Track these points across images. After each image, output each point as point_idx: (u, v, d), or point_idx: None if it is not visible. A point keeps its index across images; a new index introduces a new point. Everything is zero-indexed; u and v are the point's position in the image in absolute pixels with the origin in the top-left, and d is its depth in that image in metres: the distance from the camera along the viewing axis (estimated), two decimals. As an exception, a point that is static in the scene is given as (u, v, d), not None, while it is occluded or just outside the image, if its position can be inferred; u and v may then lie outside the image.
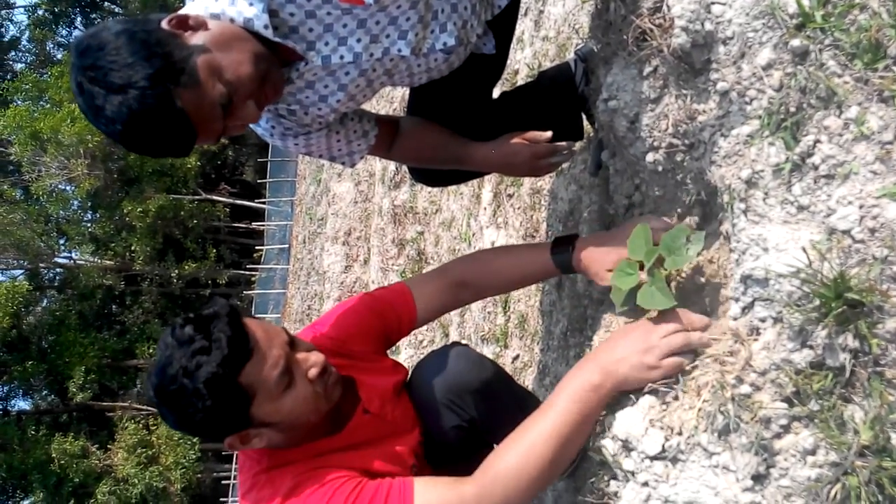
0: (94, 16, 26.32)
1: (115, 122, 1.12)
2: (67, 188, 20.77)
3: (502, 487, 1.18)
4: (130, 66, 1.09)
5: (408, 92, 1.76)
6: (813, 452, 0.94)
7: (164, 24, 1.17)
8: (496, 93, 1.87)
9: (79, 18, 26.45)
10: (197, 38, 1.17)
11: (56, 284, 22.52)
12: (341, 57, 1.34)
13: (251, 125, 1.45)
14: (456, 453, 1.49)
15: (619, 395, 1.22)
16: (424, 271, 4.67)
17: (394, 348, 3.43)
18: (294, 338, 1.31)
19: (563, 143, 1.65)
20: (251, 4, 1.20)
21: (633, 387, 1.18)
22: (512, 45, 1.75)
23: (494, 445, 1.60)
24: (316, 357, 1.29)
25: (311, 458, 1.30)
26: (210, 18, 1.20)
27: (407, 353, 4.30)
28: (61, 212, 21.48)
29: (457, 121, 1.65)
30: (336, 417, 1.37)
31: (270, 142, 1.60)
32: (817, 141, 1.00)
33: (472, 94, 1.67)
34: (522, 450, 1.19)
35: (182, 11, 1.21)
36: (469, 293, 1.66)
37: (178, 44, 1.15)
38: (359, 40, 1.33)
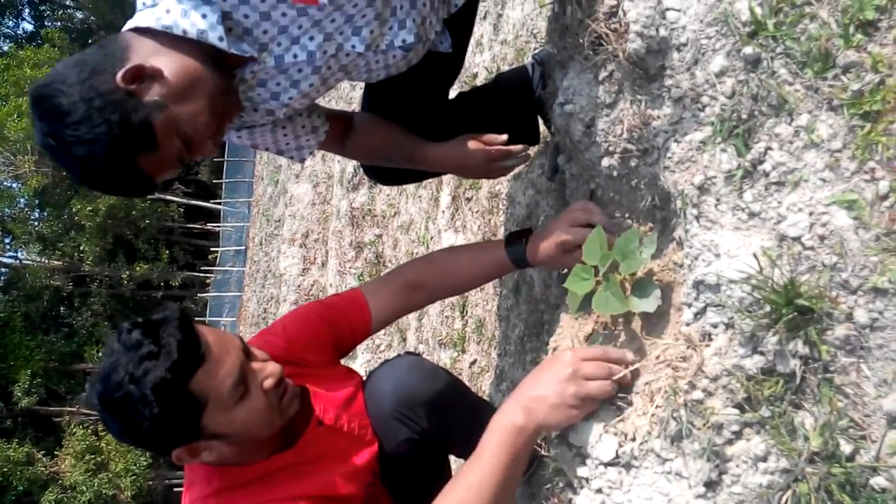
0: (42, 7, 25.53)
1: (78, 178, 1.20)
2: (14, 185, 20.09)
3: None
4: (91, 142, 1.12)
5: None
6: (764, 459, 0.94)
7: (119, 80, 1.13)
8: (453, 94, 1.85)
9: (27, 10, 25.63)
10: (153, 92, 1.15)
11: (1, 285, 21.72)
12: (294, 56, 1.31)
13: None
14: (409, 465, 1.47)
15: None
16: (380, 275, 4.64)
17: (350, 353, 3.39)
18: (249, 347, 1.26)
19: (518, 147, 1.64)
20: (204, 16, 1.16)
21: (556, 426, 1.15)
22: (471, 49, 1.74)
23: (449, 456, 1.58)
24: (273, 367, 1.25)
25: (264, 479, 1.26)
26: (161, 31, 1.16)
27: (364, 357, 4.25)
28: (7, 210, 20.76)
29: (412, 119, 1.63)
30: (289, 432, 1.33)
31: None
32: (768, 148, 1.01)
33: (428, 93, 1.65)
34: (459, 500, 1.12)
35: (133, 57, 1.15)
36: (423, 295, 1.63)
37: (134, 105, 1.14)
38: (312, 38, 1.31)
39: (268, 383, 1.22)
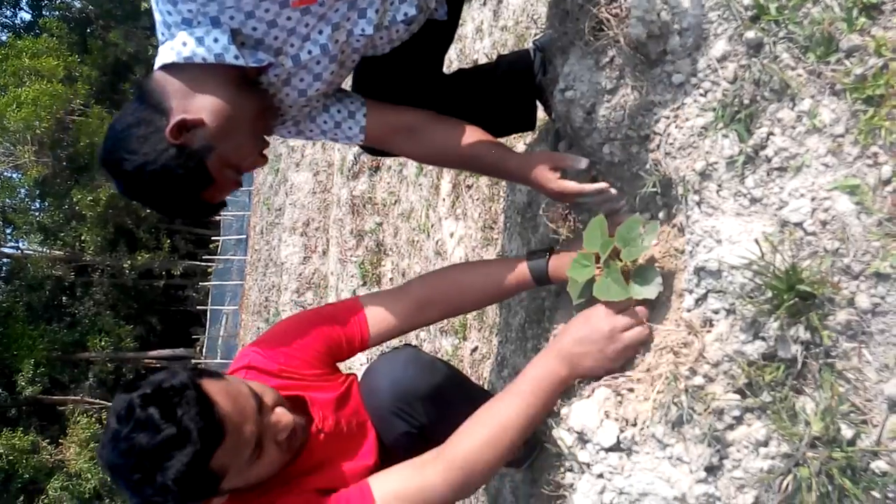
0: (41, -2, 25.40)
1: (164, 215, 1.51)
2: (14, 176, 20.05)
3: (464, 471, 1.21)
4: (165, 191, 1.31)
5: None
6: (765, 444, 0.94)
7: (169, 138, 1.25)
8: (451, 69, 1.85)
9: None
10: (199, 139, 1.27)
11: (3, 275, 21.74)
12: (309, 52, 1.36)
13: None
14: (408, 458, 1.47)
15: (576, 386, 1.24)
16: (386, 263, 4.64)
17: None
18: (260, 399, 1.24)
19: (596, 186, 1.43)
20: (216, 40, 1.23)
21: (595, 375, 1.23)
22: (471, 35, 1.72)
23: None
24: (286, 420, 1.25)
25: (269, 486, 1.27)
26: (184, 64, 1.25)
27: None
28: (8, 200, 20.70)
29: (408, 89, 1.62)
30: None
31: None
32: (770, 133, 1.00)
33: (423, 62, 1.65)
34: (485, 434, 1.21)
35: (174, 110, 1.26)
36: (435, 312, 1.60)
37: (188, 154, 1.27)
38: (321, 32, 1.35)
39: (281, 437, 1.23)
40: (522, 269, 1.50)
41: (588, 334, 1.23)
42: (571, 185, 1.43)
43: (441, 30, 1.62)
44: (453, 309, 1.65)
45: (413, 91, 1.62)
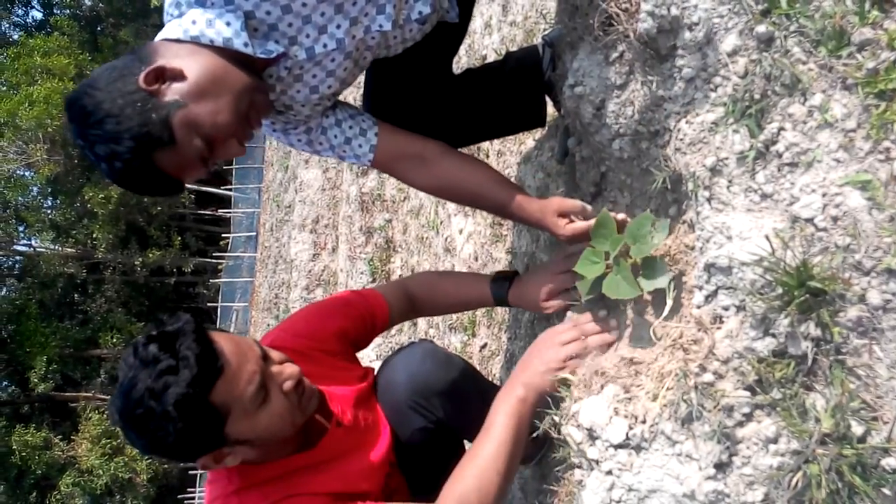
0: (52, -4, 25.54)
1: (108, 177, 1.24)
2: (26, 174, 20.19)
3: None
4: (113, 139, 1.16)
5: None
6: (775, 441, 0.94)
7: (142, 81, 1.17)
8: (460, 70, 1.84)
9: (36, -1, 25.67)
10: (173, 92, 1.18)
11: (16, 273, 21.92)
12: (325, 45, 1.32)
13: None
14: (424, 452, 1.48)
15: (587, 385, 1.23)
16: (395, 260, 4.64)
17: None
18: (266, 350, 1.27)
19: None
20: (228, 24, 1.19)
21: (551, 387, 1.31)
22: (479, 31, 1.72)
23: (465, 442, 1.60)
24: (291, 369, 1.26)
25: (285, 477, 1.28)
26: (190, 42, 1.20)
27: (375, 341, 4.27)
28: (20, 198, 20.86)
29: (418, 92, 1.62)
30: (309, 432, 1.35)
31: (274, 137, 1.55)
32: (781, 128, 0.99)
33: (433, 64, 1.64)
34: (476, 471, 1.25)
35: (158, 60, 1.19)
36: (415, 310, 1.74)
37: (154, 105, 1.17)
38: (338, 26, 1.32)
39: (287, 385, 1.23)
40: (485, 290, 1.63)
41: (532, 355, 1.35)
42: (582, 225, 1.42)
43: (451, 32, 1.61)
44: (427, 310, 1.79)
45: (423, 94, 1.62)
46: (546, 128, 2.17)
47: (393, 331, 4.16)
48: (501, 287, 1.60)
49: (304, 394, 1.27)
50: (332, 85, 1.41)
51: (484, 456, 1.25)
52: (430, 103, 1.62)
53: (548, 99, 1.87)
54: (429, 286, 1.71)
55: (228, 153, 1.27)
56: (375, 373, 1.57)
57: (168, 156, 1.20)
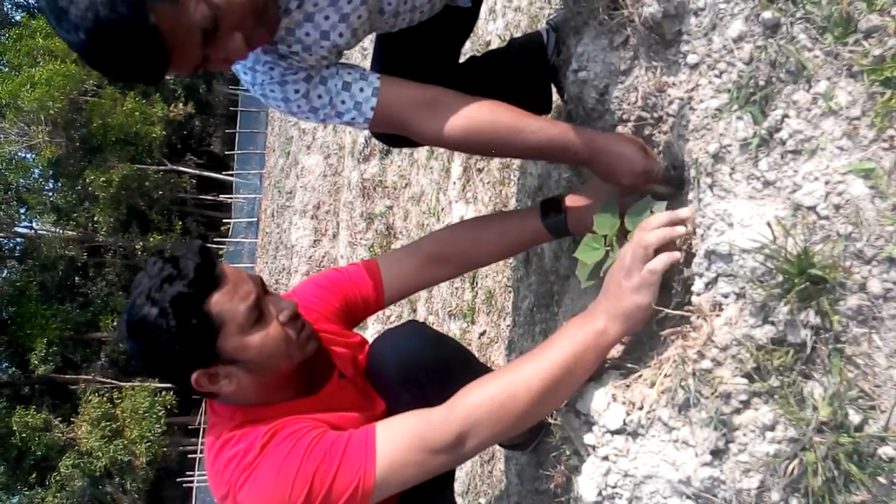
0: (54, -23, 25.35)
1: (78, 30, 0.98)
2: (28, 156, 20.17)
3: (473, 416, 1.14)
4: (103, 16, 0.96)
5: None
6: (772, 428, 0.94)
7: None
8: (464, 58, 1.83)
9: (39, -21, 25.49)
10: None
11: (16, 255, 21.94)
12: None
13: (242, 79, 1.37)
14: None
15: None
16: (396, 247, 4.64)
17: (361, 324, 3.41)
18: (267, 286, 1.31)
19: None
20: None
21: (639, 319, 1.14)
22: (483, 16, 1.70)
23: None
24: (288, 303, 1.30)
25: (286, 416, 1.27)
26: None
27: (374, 328, 4.27)
28: (21, 180, 20.85)
29: (423, 76, 1.59)
30: (311, 377, 1.35)
31: (269, 93, 1.35)
32: (785, 115, 0.99)
33: (441, 50, 1.61)
34: (506, 384, 1.14)
35: None
36: (449, 268, 1.59)
37: None
38: None
39: (283, 315, 1.26)
40: (538, 226, 1.49)
41: (614, 283, 1.14)
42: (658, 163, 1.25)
43: (462, 18, 1.58)
44: (466, 264, 1.65)
45: (428, 77, 1.59)
46: (551, 114, 2.16)
47: (392, 317, 4.17)
48: (557, 219, 1.45)
49: (302, 329, 1.30)
50: (344, 34, 1.29)
51: (523, 371, 1.14)
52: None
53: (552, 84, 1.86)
54: (465, 239, 1.56)
55: (232, 48, 1.11)
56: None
57: (166, 11, 1.00)
